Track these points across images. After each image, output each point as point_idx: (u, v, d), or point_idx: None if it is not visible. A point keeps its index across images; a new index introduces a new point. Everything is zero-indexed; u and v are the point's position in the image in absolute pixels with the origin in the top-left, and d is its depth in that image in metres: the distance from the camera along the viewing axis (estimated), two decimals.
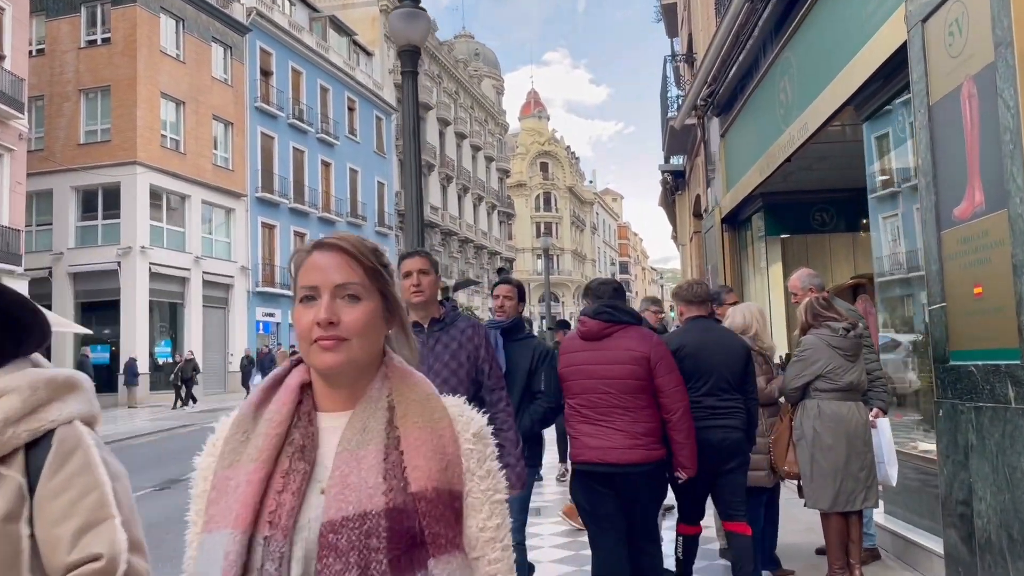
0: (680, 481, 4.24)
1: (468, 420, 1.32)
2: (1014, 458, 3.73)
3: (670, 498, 4.82)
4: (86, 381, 1.54)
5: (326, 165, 38.70)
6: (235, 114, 31.91)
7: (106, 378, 25.71)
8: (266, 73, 34.39)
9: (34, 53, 26.77)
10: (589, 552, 4.33)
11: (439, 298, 3.75)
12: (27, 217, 24.75)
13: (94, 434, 1.47)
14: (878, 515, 5.92)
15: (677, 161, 20.31)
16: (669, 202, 24.06)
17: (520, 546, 4.36)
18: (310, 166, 37.25)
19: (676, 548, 4.81)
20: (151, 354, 27.28)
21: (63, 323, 24.13)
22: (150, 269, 26.74)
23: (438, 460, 1.23)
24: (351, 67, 41.41)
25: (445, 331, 3.68)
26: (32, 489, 1.37)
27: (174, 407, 24.49)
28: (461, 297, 47.73)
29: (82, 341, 25.81)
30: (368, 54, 44.58)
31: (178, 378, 24.92)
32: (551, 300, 39.74)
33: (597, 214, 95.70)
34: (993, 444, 3.90)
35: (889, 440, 5.22)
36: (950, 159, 4.31)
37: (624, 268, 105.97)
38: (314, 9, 39.81)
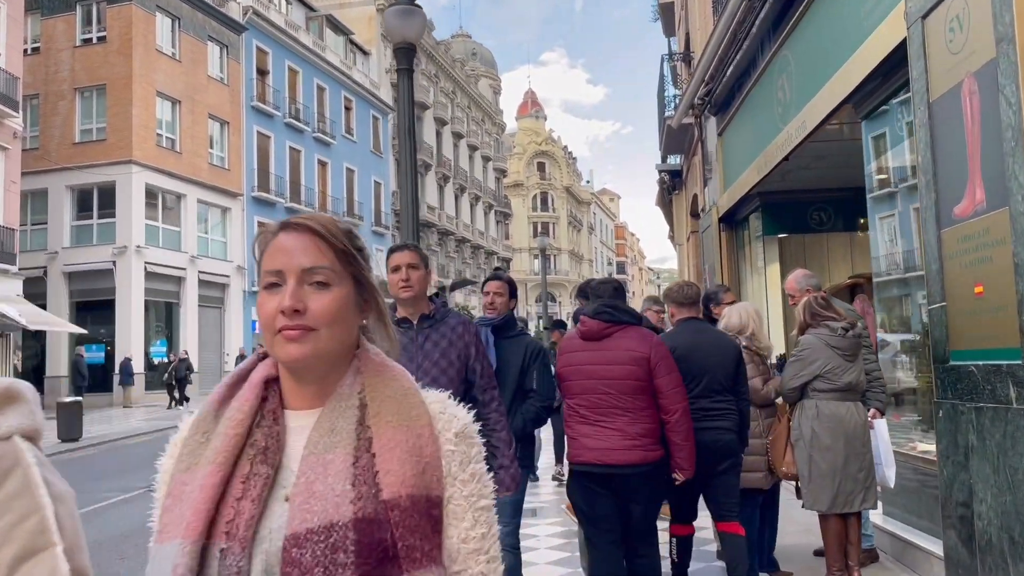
0: (677, 483, 4.22)
1: (450, 418, 1.20)
2: (1015, 459, 3.68)
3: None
4: (29, 391, 1.38)
5: (322, 164, 38.63)
6: (231, 113, 31.82)
7: (101, 378, 25.66)
8: (262, 72, 34.30)
9: (29, 51, 26.66)
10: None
11: (429, 294, 3.65)
12: (22, 216, 24.67)
13: (36, 451, 1.30)
14: (876, 516, 5.88)
15: (674, 161, 20.28)
16: (666, 202, 24.04)
17: (514, 550, 4.30)
18: (306, 165, 37.17)
19: (670, 550, 4.78)
20: (146, 354, 27.17)
21: (58, 323, 24.07)
22: (145, 268, 26.64)
23: (414, 463, 1.12)
24: (348, 66, 41.35)
25: (435, 328, 3.57)
26: None
27: (169, 407, 24.40)
28: (458, 297, 47.66)
29: (77, 341, 25.69)
30: (365, 53, 44.52)
31: (172, 377, 24.82)
32: (548, 300, 39.68)
33: (594, 214, 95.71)
34: (994, 445, 3.86)
35: (887, 441, 5.17)
36: (950, 157, 4.26)
37: (621, 268, 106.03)
38: (311, 8, 39.73)
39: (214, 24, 31.04)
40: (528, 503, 8.12)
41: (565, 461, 5.42)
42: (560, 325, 11.40)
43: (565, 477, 5.04)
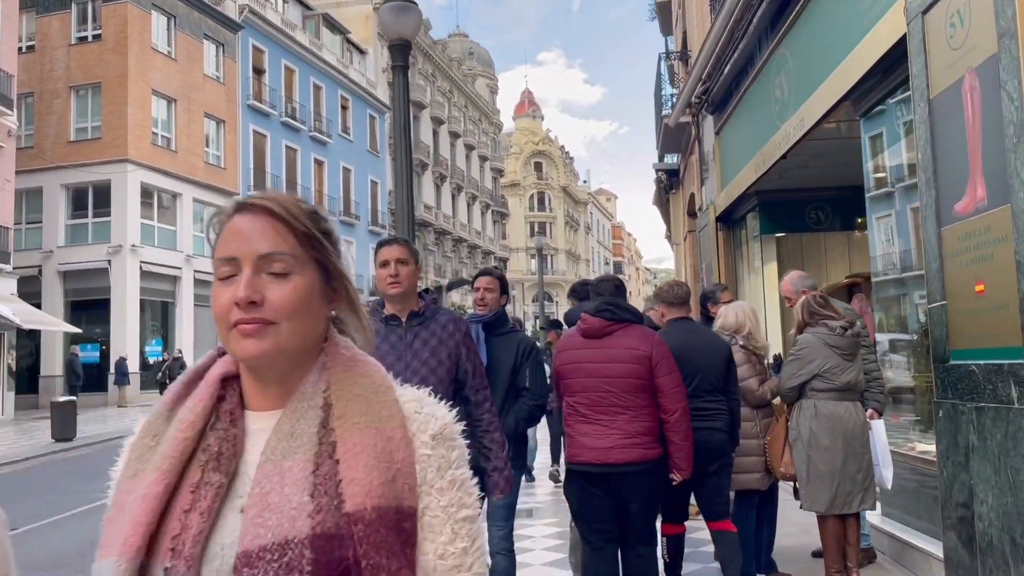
0: (675, 482, 4.20)
1: (427, 418, 1.07)
2: (1017, 460, 3.64)
3: None
4: None
5: (319, 164, 38.56)
6: (227, 112, 31.73)
7: (96, 377, 25.57)
8: (259, 71, 34.22)
9: (24, 49, 26.55)
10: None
11: (419, 291, 3.55)
12: (16, 215, 24.56)
13: None
14: (875, 517, 5.84)
15: (671, 160, 20.23)
16: (663, 201, 23.98)
17: (509, 553, 4.23)
18: (303, 165, 37.10)
19: (662, 550, 4.75)
20: (142, 353, 27.08)
21: (53, 322, 23.97)
22: (141, 268, 26.54)
23: (382, 470, 0.99)
24: (344, 65, 41.27)
25: (424, 326, 3.45)
26: None
27: None
28: (454, 296, 47.61)
29: (72, 340, 25.61)
30: (361, 52, 44.45)
31: (165, 376, 24.72)
32: (545, 300, 39.65)
33: (591, 214, 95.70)
34: (995, 445, 3.81)
35: (884, 442, 5.12)
36: (951, 154, 4.22)
37: (618, 268, 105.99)
38: (307, 7, 39.66)
39: (210, 22, 30.94)
40: (524, 503, 8.08)
41: (562, 460, 5.37)
42: (556, 325, 11.34)
43: (562, 477, 4.99)
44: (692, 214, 15.94)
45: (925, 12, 4.42)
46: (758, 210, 10.45)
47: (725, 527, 4.66)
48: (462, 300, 48.59)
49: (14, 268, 23.51)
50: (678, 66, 17.45)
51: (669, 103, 16.81)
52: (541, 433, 9.47)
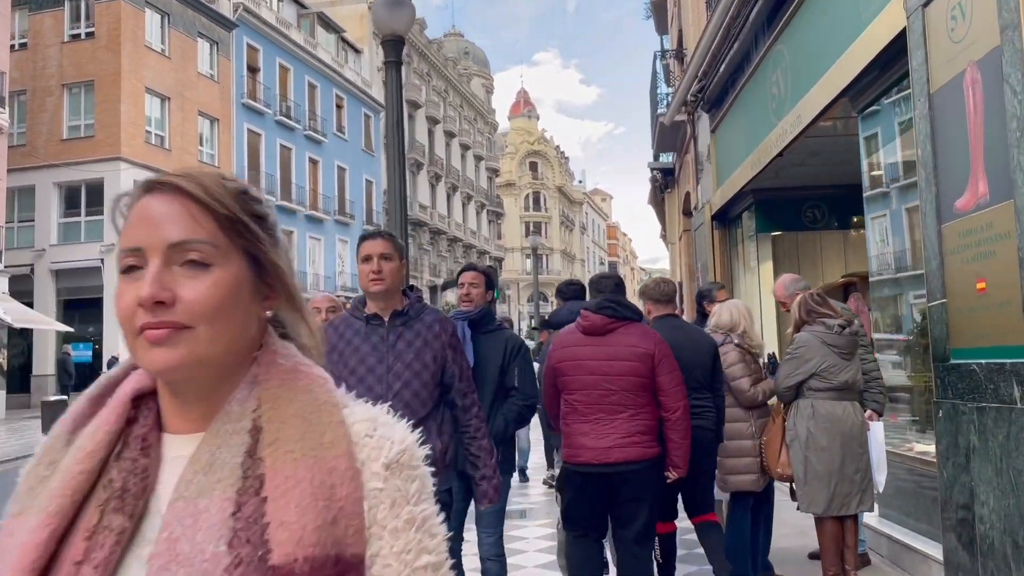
0: (669, 480, 4.16)
1: (380, 442, 0.86)
2: (1020, 461, 3.56)
3: None
4: None
5: (314, 163, 38.42)
6: (221, 110, 31.60)
7: (89, 376, 25.38)
8: (253, 69, 34.07)
9: (16, 47, 26.39)
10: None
11: (403, 287, 3.33)
12: (8, 213, 24.42)
13: None
14: (872, 518, 5.77)
15: (667, 159, 20.18)
16: (658, 200, 23.94)
17: (499, 558, 4.15)
18: (297, 163, 36.95)
19: (654, 550, 4.68)
20: None
21: (45, 321, 23.84)
22: None
23: (320, 510, 0.79)
24: (339, 64, 41.15)
25: (408, 326, 3.22)
26: None
27: None
28: (449, 296, 47.54)
29: (64, 339, 25.49)
30: (356, 51, 44.34)
31: None
32: (540, 300, 39.61)
33: (586, 214, 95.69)
34: (997, 446, 3.74)
35: (881, 444, 5.04)
36: (951, 149, 4.15)
37: (613, 268, 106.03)
38: (302, 5, 39.54)
39: (204, 20, 30.80)
40: (517, 504, 8.00)
41: (556, 463, 5.30)
42: (548, 325, 11.27)
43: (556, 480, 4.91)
44: (687, 213, 15.87)
45: (926, 5, 4.35)
46: (754, 209, 10.38)
47: (708, 519, 4.75)
48: (457, 300, 48.57)
49: (6, 267, 23.39)
50: (673, 64, 17.40)
51: (664, 102, 16.76)
52: (535, 433, 9.38)
